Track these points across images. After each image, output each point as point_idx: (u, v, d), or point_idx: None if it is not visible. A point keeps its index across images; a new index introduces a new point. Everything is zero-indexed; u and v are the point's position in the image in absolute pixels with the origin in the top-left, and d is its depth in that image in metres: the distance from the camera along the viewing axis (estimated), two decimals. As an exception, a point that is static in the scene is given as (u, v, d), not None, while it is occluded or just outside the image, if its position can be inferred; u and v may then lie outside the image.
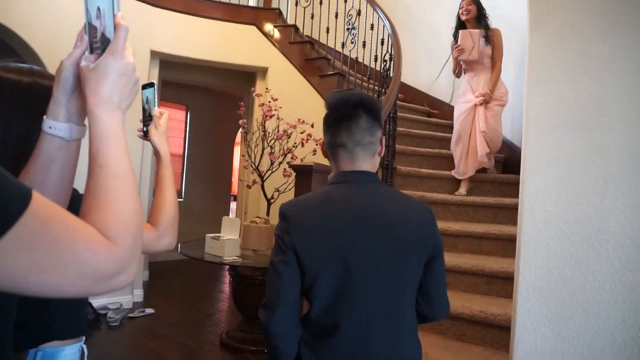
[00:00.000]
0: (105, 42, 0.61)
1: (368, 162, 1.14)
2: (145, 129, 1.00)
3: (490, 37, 3.49)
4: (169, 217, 0.94)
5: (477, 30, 3.45)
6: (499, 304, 2.35)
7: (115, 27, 0.59)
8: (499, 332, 2.23)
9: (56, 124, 0.65)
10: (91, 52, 0.62)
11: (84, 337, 1.09)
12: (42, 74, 0.87)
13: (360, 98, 1.13)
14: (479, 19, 3.52)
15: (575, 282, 1.15)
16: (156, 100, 1.01)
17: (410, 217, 1.09)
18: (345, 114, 1.12)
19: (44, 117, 0.66)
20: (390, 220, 1.07)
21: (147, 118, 1.01)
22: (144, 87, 1.02)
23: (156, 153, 0.99)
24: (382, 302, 1.04)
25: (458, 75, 3.79)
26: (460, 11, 3.59)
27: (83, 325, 1.10)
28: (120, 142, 0.58)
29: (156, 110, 1.00)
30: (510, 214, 3.16)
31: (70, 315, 1.04)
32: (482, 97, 3.44)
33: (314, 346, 1.06)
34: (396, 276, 1.05)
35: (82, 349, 1.08)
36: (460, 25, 3.62)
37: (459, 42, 3.55)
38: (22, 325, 0.96)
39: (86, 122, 0.67)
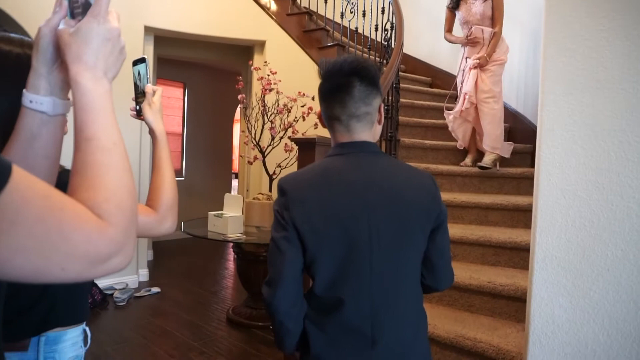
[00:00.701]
0: (86, 7, 0.55)
1: (366, 132, 1.09)
2: (138, 107, 0.94)
3: None
4: (168, 198, 0.89)
5: (489, 30, 3.24)
6: (507, 274, 2.33)
7: None
8: (507, 302, 2.21)
9: (37, 98, 0.59)
10: (72, 17, 0.56)
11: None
12: (32, 45, 0.80)
13: (354, 65, 1.06)
14: None
15: (595, 252, 1.10)
16: (149, 76, 0.95)
17: (412, 187, 1.06)
18: (338, 83, 1.06)
19: (24, 90, 0.60)
20: (391, 191, 1.03)
21: (140, 95, 0.94)
22: (135, 62, 0.96)
23: (151, 132, 0.93)
24: (387, 274, 1.02)
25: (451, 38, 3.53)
26: None
27: (85, 310, 1.06)
28: (108, 112, 0.53)
29: (149, 87, 0.93)
30: (516, 183, 3.11)
31: (70, 302, 1.00)
32: (477, 61, 3.25)
33: (318, 322, 1.03)
34: (400, 248, 1.03)
35: (85, 331, 1.05)
36: None
37: (473, 34, 3.30)
38: (21, 314, 0.93)
39: (70, 94, 0.62)
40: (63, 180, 0.59)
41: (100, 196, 0.48)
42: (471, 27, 3.30)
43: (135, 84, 0.96)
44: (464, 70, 3.40)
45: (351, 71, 1.05)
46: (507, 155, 3.22)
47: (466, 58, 3.40)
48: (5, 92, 0.72)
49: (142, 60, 0.95)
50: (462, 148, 3.45)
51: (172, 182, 0.92)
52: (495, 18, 3.24)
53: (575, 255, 1.13)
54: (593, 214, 1.11)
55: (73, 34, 0.54)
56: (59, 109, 0.61)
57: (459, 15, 3.38)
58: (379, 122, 1.12)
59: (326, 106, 1.09)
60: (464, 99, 3.24)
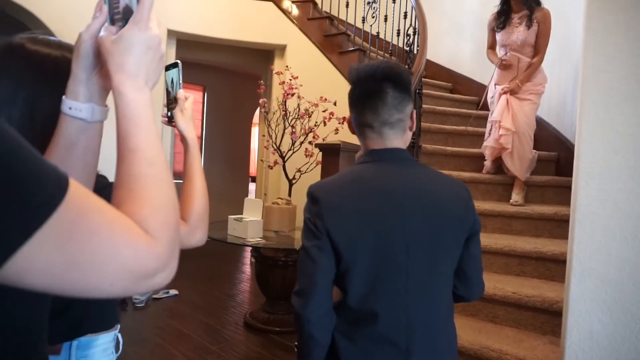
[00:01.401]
0: (127, 13, 0.55)
1: (399, 139, 1.06)
2: (169, 113, 0.92)
3: (536, 20, 2.94)
4: (199, 209, 0.86)
5: (526, 59, 3.00)
6: (532, 285, 2.28)
7: None
8: (533, 314, 2.16)
9: (76, 104, 0.59)
10: (112, 23, 0.56)
11: (118, 326, 1.05)
12: (71, 48, 0.80)
13: (387, 70, 1.03)
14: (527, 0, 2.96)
15: (637, 265, 1.06)
16: (180, 82, 0.93)
17: (447, 196, 1.03)
18: (370, 89, 1.03)
19: (63, 97, 0.59)
20: (426, 199, 1.01)
21: (172, 102, 0.92)
22: (168, 67, 0.93)
23: (183, 140, 0.91)
24: (422, 284, 0.99)
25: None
26: None
27: (115, 315, 1.06)
28: (150, 123, 0.52)
29: (181, 93, 0.91)
30: (540, 192, 3.05)
31: (102, 307, 1.00)
32: (508, 87, 3.00)
33: (348, 334, 1.00)
34: (435, 257, 1.00)
35: (117, 337, 1.05)
36: (504, 2, 3.07)
37: (508, 60, 3.06)
38: (55, 318, 0.93)
39: (108, 102, 0.62)
40: (97, 187, 0.59)
41: (147, 210, 0.47)
42: (507, 52, 3.07)
43: (167, 89, 0.93)
44: (492, 97, 3.18)
45: (384, 77, 1.02)
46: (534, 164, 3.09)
47: (495, 85, 3.19)
48: (47, 94, 0.72)
49: (174, 65, 0.93)
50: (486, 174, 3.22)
51: (204, 191, 0.89)
52: (538, 46, 2.96)
53: (616, 268, 1.09)
54: (635, 227, 1.07)
55: (115, 41, 0.53)
56: (98, 115, 0.61)
57: (498, 37, 3.12)
58: (411, 129, 1.09)
59: (357, 113, 1.07)
60: (498, 127, 2.98)
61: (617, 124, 1.10)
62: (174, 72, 0.93)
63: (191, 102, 0.93)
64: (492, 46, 3.26)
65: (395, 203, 0.99)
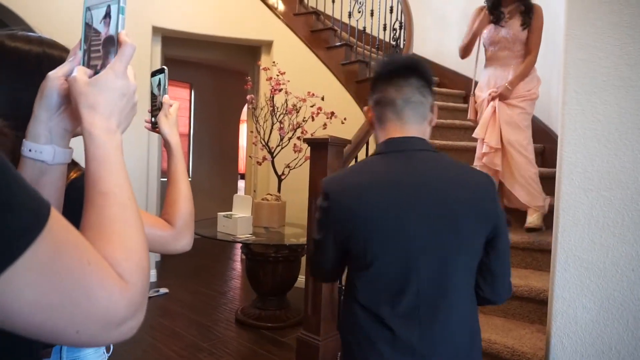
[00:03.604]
0: (105, 57, 0.55)
1: (418, 125, 1.02)
2: (153, 119, 0.91)
3: (530, 14, 2.59)
4: (184, 213, 0.86)
5: (516, 60, 2.63)
6: (519, 275, 2.31)
7: (119, 44, 0.54)
8: (520, 303, 2.19)
9: (37, 147, 0.57)
10: (87, 67, 0.56)
11: None
12: (52, 44, 0.79)
13: (413, 61, 1.04)
14: None
15: (620, 252, 1.08)
16: (166, 87, 0.92)
17: (467, 188, 0.96)
18: (395, 70, 1.03)
19: (23, 139, 0.57)
20: (445, 194, 0.94)
21: (156, 107, 0.92)
22: (154, 73, 0.93)
23: (166, 145, 0.90)
24: (435, 284, 0.93)
25: (464, 56, 2.87)
26: None
27: None
28: (122, 166, 0.51)
29: (166, 99, 0.91)
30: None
31: None
32: (496, 91, 2.62)
33: (363, 332, 0.97)
34: (451, 254, 0.93)
35: None
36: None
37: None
38: None
39: (71, 144, 0.61)
40: (79, 185, 0.57)
41: (121, 253, 0.45)
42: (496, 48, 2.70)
43: (152, 94, 0.93)
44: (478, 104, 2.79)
45: (410, 64, 1.03)
46: (547, 210, 2.56)
47: (475, 88, 2.81)
48: (29, 92, 0.71)
49: (161, 71, 0.93)
50: None
51: (189, 195, 0.88)
52: (531, 43, 2.59)
53: (599, 255, 1.12)
54: (617, 214, 1.09)
55: (90, 83, 0.53)
56: (60, 158, 0.59)
57: (485, 34, 2.73)
58: (430, 123, 1.06)
59: (379, 91, 1.04)
60: (481, 144, 2.65)
61: (598, 113, 1.11)
62: (161, 77, 0.93)
63: (176, 108, 0.93)
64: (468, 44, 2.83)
65: (409, 198, 0.93)
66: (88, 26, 0.57)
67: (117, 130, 0.53)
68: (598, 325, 1.11)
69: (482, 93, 2.74)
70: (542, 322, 2.09)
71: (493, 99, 2.64)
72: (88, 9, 0.58)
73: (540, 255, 2.39)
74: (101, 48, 0.56)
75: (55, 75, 0.57)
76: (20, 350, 0.52)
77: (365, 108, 1.10)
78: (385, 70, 1.04)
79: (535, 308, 2.13)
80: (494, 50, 2.72)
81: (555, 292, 1.17)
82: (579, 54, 1.13)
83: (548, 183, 2.72)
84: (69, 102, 0.57)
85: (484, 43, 2.78)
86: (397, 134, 1.01)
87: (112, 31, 0.55)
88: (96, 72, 0.54)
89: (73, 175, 0.80)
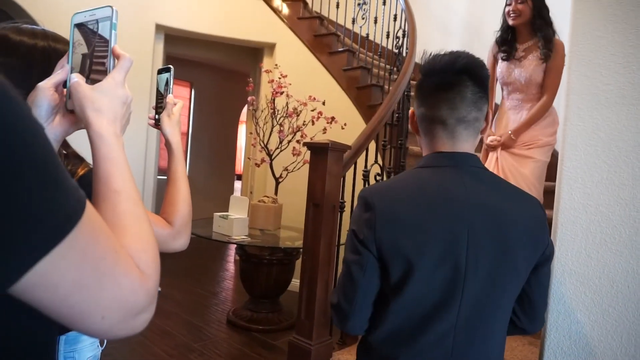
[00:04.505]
0: (102, 65, 0.59)
1: (470, 141, 0.93)
2: (157, 116, 0.92)
3: (550, 47, 2.24)
4: (183, 214, 0.87)
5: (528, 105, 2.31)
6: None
7: (117, 57, 0.58)
8: (513, 315, 2.20)
9: None
10: (87, 78, 0.59)
11: None
12: (56, 38, 0.80)
13: (468, 61, 0.91)
14: (535, 25, 2.27)
15: (616, 268, 1.09)
16: (171, 86, 0.93)
17: (520, 212, 0.89)
18: (448, 81, 0.90)
19: None
20: (498, 214, 0.87)
21: (161, 105, 0.92)
22: (161, 71, 0.94)
23: (167, 144, 0.90)
24: (478, 309, 0.87)
25: None
26: (507, 10, 2.33)
27: None
28: (128, 166, 0.54)
29: (170, 98, 0.91)
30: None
31: None
32: (499, 140, 2.33)
33: (389, 354, 0.91)
34: (499, 279, 0.87)
35: None
36: (507, 29, 2.38)
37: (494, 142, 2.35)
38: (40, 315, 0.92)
39: (76, 141, 0.64)
40: (90, 181, 0.58)
41: (139, 245, 0.47)
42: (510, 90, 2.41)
43: (158, 91, 0.93)
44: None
45: (464, 68, 0.90)
46: None
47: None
48: (33, 87, 0.71)
49: (167, 70, 0.93)
50: None
51: (187, 196, 0.89)
52: (547, 84, 2.25)
53: (595, 270, 1.13)
54: (615, 230, 1.10)
55: (95, 89, 0.56)
56: None
57: (498, 72, 2.43)
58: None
59: (428, 106, 0.93)
60: None
61: (599, 130, 1.13)
62: (167, 75, 0.93)
63: (179, 107, 0.93)
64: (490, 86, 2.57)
65: (462, 216, 0.86)
66: (78, 42, 0.60)
67: (120, 134, 0.56)
68: (592, 341, 1.12)
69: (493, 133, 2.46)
70: (534, 335, 2.09)
71: (493, 148, 2.38)
72: (76, 26, 0.61)
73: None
74: (91, 59, 0.59)
75: (46, 86, 0.60)
76: (36, 351, 0.52)
77: (410, 112, 1.00)
78: (434, 82, 0.92)
79: (528, 321, 2.14)
80: (508, 91, 2.43)
81: (550, 305, 1.17)
82: (582, 70, 1.14)
83: (547, 196, 2.70)
84: (57, 112, 0.60)
85: (498, 81, 2.49)
86: (447, 149, 0.93)
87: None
88: (94, 82, 0.57)
89: (81, 171, 0.80)
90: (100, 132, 0.53)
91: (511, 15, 2.29)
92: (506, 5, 2.34)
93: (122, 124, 0.57)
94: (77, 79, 0.57)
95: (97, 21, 0.59)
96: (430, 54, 0.95)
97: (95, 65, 0.59)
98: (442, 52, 0.94)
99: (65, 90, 0.60)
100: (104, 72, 0.58)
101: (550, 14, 2.28)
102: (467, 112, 0.91)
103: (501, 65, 2.41)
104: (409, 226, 0.85)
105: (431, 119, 0.93)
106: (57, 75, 0.61)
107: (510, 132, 2.30)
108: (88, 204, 0.40)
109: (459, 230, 0.85)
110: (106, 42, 0.58)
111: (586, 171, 1.13)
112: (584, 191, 1.14)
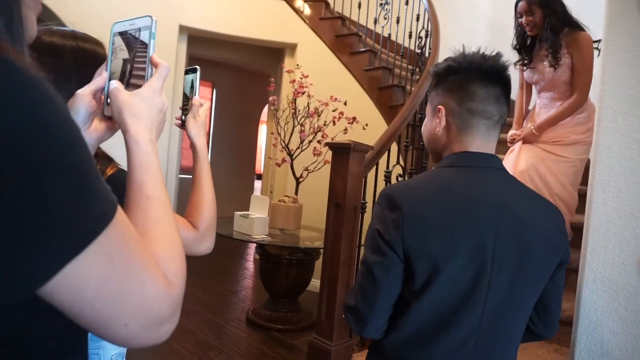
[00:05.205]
0: (139, 77, 0.60)
1: (495, 143, 0.94)
2: (184, 117, 0.90)
3: (566, 50, 2.14)
4: (208, 217, 0.85)
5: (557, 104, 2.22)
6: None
7: (155, 65, 0.60)
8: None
9: None
10: (126, 85, 0.61)
11: None
12: (85, 38, 0.82)
13: (504, 66, 0.91)
14: (554, 26, 2.15)
15: (652, 275, 1.06)
16: (197, 87, 0.91)
17: (541, 217, 0.89)
18: (493, 78, 0.89)
19: None
20: (520, 219, 0.86)
21: (186, 106, 0.90)
22: (188, 71, 0.92)
23: (192, 146, 0.88)
24: (500, 313, 0.86)
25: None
26: (520, 22, 2.27)
27: None
28: (162, 174, 0.55)
29: (196, 99, 0.89)
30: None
31: None
32: (519, 134, 2.26)
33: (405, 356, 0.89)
34: (521, 284, 0.86)
35: None
36: (525, 36, 2.30)
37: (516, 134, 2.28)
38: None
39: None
40: (118, 181, 0.59)
41: (167, 253, 0.47)
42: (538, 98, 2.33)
43: (185, 93, 0.91)
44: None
45: (502, 69, 0.92)
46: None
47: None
48: (65, 85, 0.72)
49: (194, 70, 0.91)
50: None
51: (212, 200, 0.87)
52: (576, 81, 2.13)
53: (629, 278, 1.09)
54: (650, 237, 1.06)
55: (134, 95, 0.57)
56: None
57: (526, 75, 2.38)
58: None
59: (476, 99, 0.90)
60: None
61: (635, 132, 1.09)
62: (193, 76, 0.91)
63: (205, 109, 0.90)
64: (521, 85, 2.46)
65: (487, 222, 0.84)
66: (119, 47, 0.62)
67: (155, 141, 0.57)
68: (625, 352, 1.08)
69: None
70: (560, 341, 2.04)
71: (513, 141, 2.30)
72: (116, 34, 0.63)
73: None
74: (132, 65, 0.61)
75: (84, 93, 0.61)
76: (69, 348, 0.52)
77: (441, 109, 0.95)
78: (486, 76, 0.90)
79: (554, 327, 2.08)
80: (537, 90, 2.37)
81: (580, 313, 1.14)
82: (616, 71, 1.10)
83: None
84: (94, 118, 0.62)
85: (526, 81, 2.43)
86: (476, 149, 0.91)
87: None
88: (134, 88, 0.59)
89: (110, 171, 0.81)
90: (136, 138, 0.54)
91: (527, 27, 2.24)
92: (517, 18, 2.28)
93: (157, 131, 0.59)
94: (116, 85, 0.58)
95: (139, 29, 0.61)
96: (470, 52, 0.95)
97: (135, 71, 0.60)
98: (472, 50, 0.94)
99: (102, 97, 0.62)
100: (142, 79, 0.59)
101: (572, 11, 2.20)
102: (505, 111, 0.92)
103: (527, 70, 2.35)
104: (437, 228, 0.83)
105: (477, 113, 0.90)
106: (96, 82, 0.62)
107: (533, 127, 2.19)
108: (119, 208, 0.40)
109: (486, 232, 0.83)
110: (146, 49, 0.60)
111: (620, 175, 1.10)
112: (618, 195, 1.10)
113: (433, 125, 0.97)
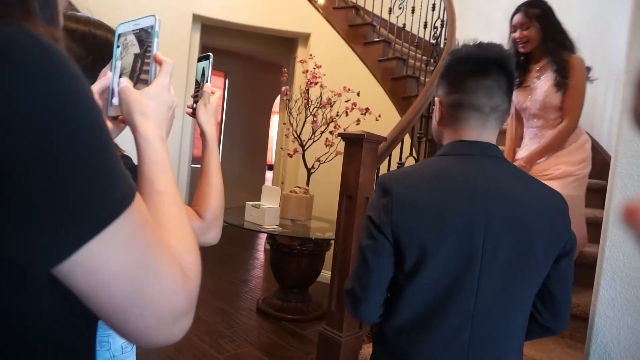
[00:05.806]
0: (145, 76, 0.61)
1: (495, 132, 0.94)
2: (195, 105, 0.88)
3: (564, 73, 1.94)
4: (215, 207, 0.84)
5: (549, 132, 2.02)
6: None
7: (159, 63, 0.60)
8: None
9: None
10: (135, 82, 0.61)
11: None
12: (98, 24, 0.82)
13: (502, 52, 0.92)
14: (547, 45, 1.99)
15: (673, 271, 1.03)
16: (209, 74, 0.89)
17: (541, 203, 0.89)
18: (486, 69, 0.90)
19: None
20: (517, 205, 0.87)
21: (198, 93, 0.89)
22: (200, 59, 0.91)
23: (202, 134, 0.87)
24: (495, 303, 0.86)
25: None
26: (513, 38, 2.09)
27: None
28: (171, 168, 0.55)
29: (208, 87, 0.87)
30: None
31: None
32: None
33: (400, 348, 0.90)
34: (517, 272, 0.86)
35: None
36: (517, 54, 2.09)
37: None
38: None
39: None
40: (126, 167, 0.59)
41: (183, 247, 0.46)
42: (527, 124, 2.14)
43: (197, 80, 0.90)
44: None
45: (500, 58, 0.91)
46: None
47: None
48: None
49: (207, 57, 0.90)
50: None
51: (220, 189, 0.86)
52: (566, 105, 1.95)
53: (649, 274, 1.06)
54: (673, 232, 1.03)
55: (143, 92, 0.57)
56: None
57: (514, 98, 1.99)
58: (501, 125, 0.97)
59: (463, 91, 0.91)
60: None
61: (659, 124, 1.05)
62: (205, 64, 0.89)
63: (217, 97, 0.88)
64: (510, 113, 2.21)
65: (481, 205, 0.85)
66: (130, 42, 0.63)
67: (165, 138, 0.58)
68: (642, 347, 1.06)
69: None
70: (573, 337, 2.01)
71: None
72: (119, 35, 0.63)
73: (576, 269, 2.30)
74: (142, 60, 0.61)
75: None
76: (82, 340, 0.52)
77: (437, 100, 0.97)
78: (474, 68, 0.91)
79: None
80: (526, 117, 2.15)
81: (597, 308, 1.12)
82: (642, 60, 1.07)
83: (591, 195, 2.35)
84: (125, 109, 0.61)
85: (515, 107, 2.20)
86: (472, 138, 0.92)
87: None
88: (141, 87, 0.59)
89: None
90: (146, 135, 0.55)
91: (519, 44, 2.06)
92: (511, 32, 2.11)
93: (167, 128, 0.59)
94: (126, 83, 0.58)
95: (146, 28, 0.61)
96: (465, 43, 0.95)
97: (145, 66, 0.60)
98: (472, 42, 0.94)
99: (108, 97, 0.62)
100: (147, 74, 0.60)
101: (564, 26, 2.02)
102: (502, 101, 0.92)
103: (515, 92, 2.08)
104: (427, 212, 0.85)
105: (467, 105, 0.92)
106: (101, 82, 0.62)
107: (522, 161, 2.02)
108: (137, 194, 0.39)
109: (477, 219, 0.84)
110: (151, 48, 0.60)
111: (642, 168, 1.06)
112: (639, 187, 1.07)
113: (434, 117, 1.01)
